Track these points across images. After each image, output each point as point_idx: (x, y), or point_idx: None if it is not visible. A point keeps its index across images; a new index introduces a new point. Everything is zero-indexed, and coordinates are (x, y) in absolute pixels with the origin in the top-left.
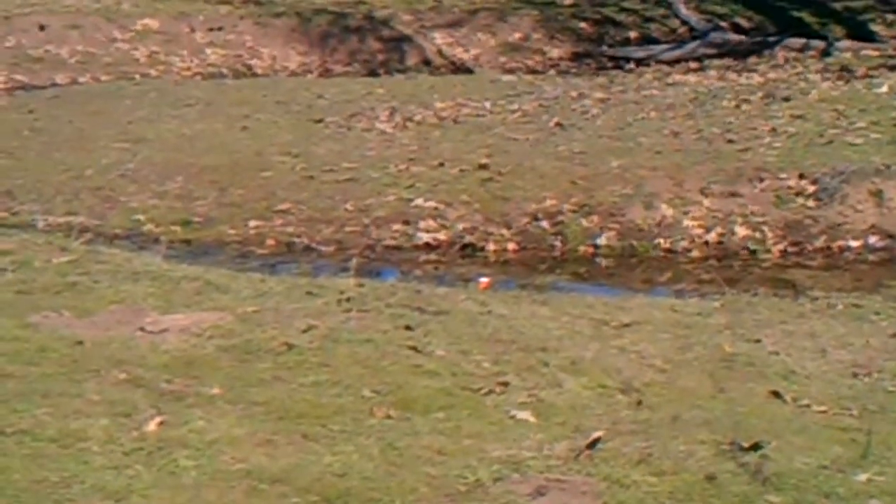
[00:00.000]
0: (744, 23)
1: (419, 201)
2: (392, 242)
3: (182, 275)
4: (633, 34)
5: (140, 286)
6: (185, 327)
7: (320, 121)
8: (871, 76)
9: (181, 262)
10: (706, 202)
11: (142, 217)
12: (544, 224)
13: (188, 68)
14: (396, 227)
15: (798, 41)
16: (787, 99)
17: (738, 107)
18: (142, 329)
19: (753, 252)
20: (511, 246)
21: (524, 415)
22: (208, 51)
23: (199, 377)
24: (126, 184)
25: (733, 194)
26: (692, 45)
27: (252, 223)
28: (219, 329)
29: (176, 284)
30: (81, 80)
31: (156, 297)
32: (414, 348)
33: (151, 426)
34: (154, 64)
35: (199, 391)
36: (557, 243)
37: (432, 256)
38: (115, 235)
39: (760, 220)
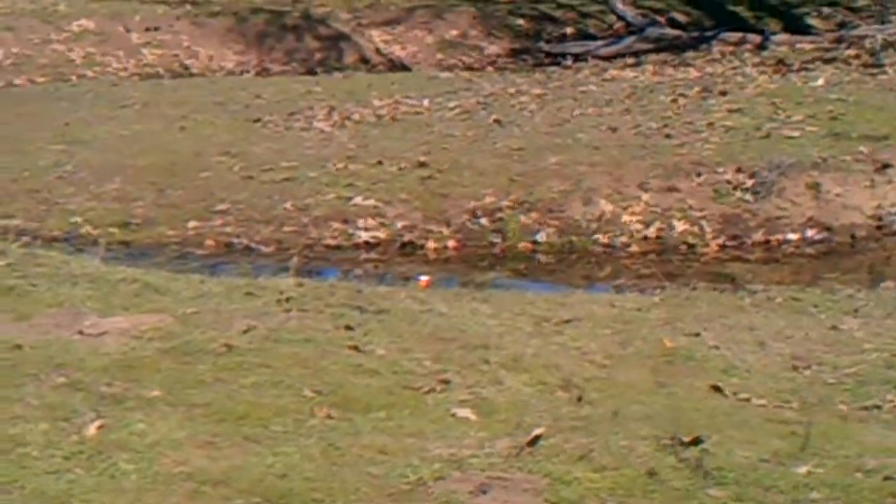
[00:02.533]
0: (680, 18)
1: (358, 200)
2: (331, 241)
3: (121, 277)
4: (569, 30)
5: (78, 289)
6: (124, 330)
7: (258, 120)
8: (808, 69)
9: (120, 264)
10: (645, 197)
11: (79, 219)
12: (484, 221)
13: (124, 69)
14: (336, 225)
15: (734, 35)
16: (723, 93)
17: (675, 101)
18: (81, 332)
19: (692, 246)
20: (451, 243)
21: (465, 413)
22: (145, 51)
23: (139, 380)
24: (63, 186)
25: (671, 189)
26: (629, 40)
27: (191, 224)
28: (158, 331)
29: (114, 287)
30: (17, 81)
31: (94, 299)
32: (354, 347)
33: (91, 430)
34: (90, 65)
35: (139, 394)
36: (497, 240)
37: (372, 255)
38: (52, 238)
39: (699, 214)
